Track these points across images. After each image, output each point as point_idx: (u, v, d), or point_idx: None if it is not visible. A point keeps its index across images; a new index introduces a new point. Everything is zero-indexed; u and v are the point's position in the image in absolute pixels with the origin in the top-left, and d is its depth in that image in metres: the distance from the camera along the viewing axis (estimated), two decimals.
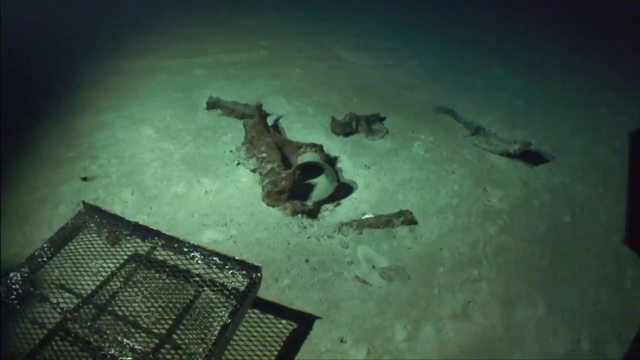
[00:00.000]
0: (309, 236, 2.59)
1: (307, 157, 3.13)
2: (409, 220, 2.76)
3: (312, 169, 3.12)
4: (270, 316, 1.99)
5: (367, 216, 2.81)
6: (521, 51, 6.06)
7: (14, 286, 1.58)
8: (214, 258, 1.79)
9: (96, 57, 4.98)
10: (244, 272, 1.76)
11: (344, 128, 3.91)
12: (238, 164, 3.24)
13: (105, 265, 1.92)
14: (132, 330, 1.60)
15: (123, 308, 1.76)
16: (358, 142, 3.87)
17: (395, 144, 3.84)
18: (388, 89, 5.02)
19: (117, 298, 1.81)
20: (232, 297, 1.74)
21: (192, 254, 1.80)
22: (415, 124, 4.19)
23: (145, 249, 2.01)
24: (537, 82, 5.14)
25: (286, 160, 3.19)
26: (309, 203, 2.82)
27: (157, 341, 1.65)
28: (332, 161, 3.47)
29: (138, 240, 1.89)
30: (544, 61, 5.72)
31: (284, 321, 1.98)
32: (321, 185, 3.05)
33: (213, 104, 4.08)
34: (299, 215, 2.74)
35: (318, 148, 3.29)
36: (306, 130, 3.96)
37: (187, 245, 1.82)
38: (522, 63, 5.67)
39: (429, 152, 3.64)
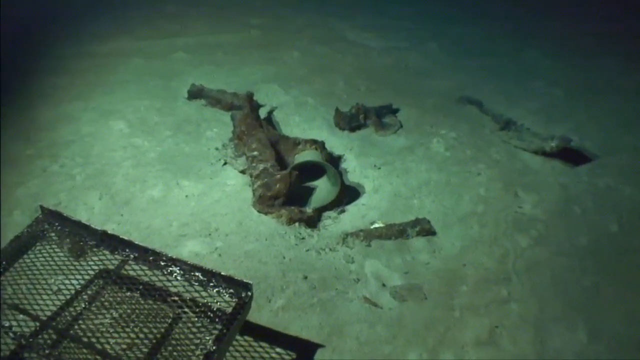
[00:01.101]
0: (308, 249, 2.60)
1: (306, 155, 3.15)
2: (425, 230, 2.77)
3: (312, 170, 3.13)
4: (263, 343, 1.99)
5: (376, 225, 2.82)
6: (561, 32, 6.07)
7: None
8: (196, 274, 1.79)
9: (60, 38, 5.04)
10: (231, 290, 1.76)
11: (350, 122, 3.91)
12: (225, 163, 3.26)
13: (67, 282, 1.92)
14: (99, 359, 1.61)
15: (88, 333, 1.77)
16: (366, 138, 3.86)
17: (411, 141, 3.82)
18: (402, 76, 5.03)
19: (81, 321, 1.81)
20: (217, 320, 1.74)
21: (171, 268, 1.80)
22: (434, 117, 4.18)
23: (115, 262, 2.01)
24: (579, 68, 5.14)
25: (281, 160, 3.20)
26: (308, 210, 2.83)
27: None
28: (335, 161, 3.48)
29: (106, 252, 1.89)
30: (587, 44, 5.74)
31: (278, 349, 1.98)
32: (322, 189, 3.07)
33: (196, 93, 4.09)
34: (296, 224, 2.75)
35: (319, 145, 3.30)
36: (305, 124, 3.94)
37: (164, 258, 1.82)
38: (562, 46, 5.68)
39: (450, 150, 3.64)
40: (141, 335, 1.77)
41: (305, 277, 2.39)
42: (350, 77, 4.66)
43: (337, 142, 3.67)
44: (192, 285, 1.82)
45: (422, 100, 4.38)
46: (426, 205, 3.03)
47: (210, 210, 2.80)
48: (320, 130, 3.78)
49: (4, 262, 1.82)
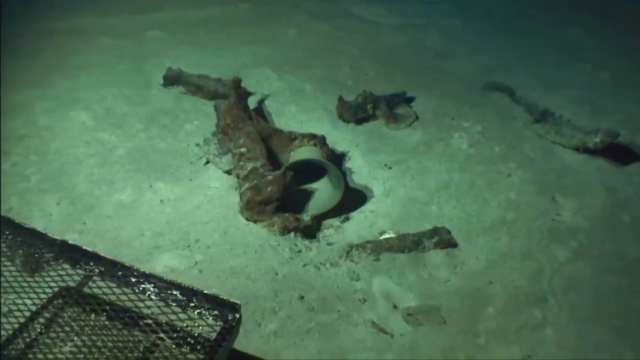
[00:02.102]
0: (305, 263, 2.62)
1: (304, 153, 3.17)
2: (445, 241, 2.80)
3: (310, 170, 3.16)
4: None
5: (386, 236, 2.84)
6: (609, 6, 6.07)
7: None
8: (174, 292, 1.79)
9: (12, 13, 5.06)
10: (215, 312, 1.76)
11: (356, 113, 3.92)
12: (207, 162, 3.28)
13: (19, 302, 1.95)
14: None
15: None
16: (375, 132, 3.87)
17: (428, 135, 3.83)
18: (418, 59, 5.04)
19: (37, 348, 1.83)
20: (198, 347, 1.76)
21: (143, 286, 1.81)
22: (457, 107, 4.18)
23: (77, 279, 2.03)
24: (631, 48, 5.16)
25: (274, 158, 3.23)
26: (306, 217, 2.86)
27: None
28: (338, 159, 3.50)
29: (67, 266, 1.91)
30: None
31: None
32: (323, 192, 3.10)
33: (173, 79, 4.13)
34: (292, 234, 2.77)
35: (319, 140, 3.32)
36: (303, 115, 3.97)
37: (136, 273, 1.83)
38: (610, 21, 5.68)
39: (476, 147, 3.66)
40: None
41: (302, 297, 2.42)
42: (357, 60, 4.69)
43: (340, 137, 3.70)
44: (168, 306, 1.83)
45: (442, 87, 4.40)
46: (446, 212, 3.06)
47: (190, 217, 2.83)
48: (320, 123, 3.82)
49: None
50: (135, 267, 1.90)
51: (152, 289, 1.88)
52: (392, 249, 2.72)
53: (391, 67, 4.73)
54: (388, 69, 4.68)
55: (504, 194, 3.22)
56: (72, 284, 2.07)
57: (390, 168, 3.41)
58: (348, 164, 3.44)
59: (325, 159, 3.16)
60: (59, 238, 1.96)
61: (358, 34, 5.35)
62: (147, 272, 1.89)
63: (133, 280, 1.90)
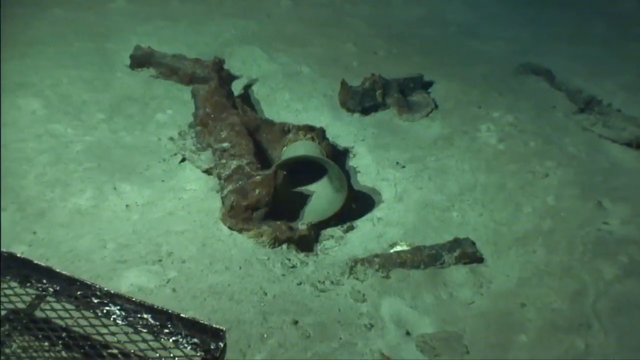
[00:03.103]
0: (301, 281, 2.63)
1: (299, 148, 3.18)
2: (469, 255, 2.82)
3: (307, 170, 3.17)
4: None
5: (398, 248, 2.86)
6: None
7: None
8: (145, 316, 1.77)
9: None
10: (195, 340, 1.74)
11: (362, 100, 3.96)
12: (183, 160, 3.30)
13: None
14: None
15: None
16: (385, 123, 3.90)
17: (449, 128, 3.86)
18: (438, 35, 5.05)
19: None
20: None
21: (108, 308, 1.79)
22: (484, 94, 4.20)
23: (27, 299, 2.03)
24: None
25: (263, 155, 3.25)
26: (301, 226, 2.87)
27: None
28: (341, 156, 3.52)
29: (14, 284, 1.91)
30: None
31: None
32: (322, 196, 3.11)
33: (142, 60, 4.17)
34: (284, 246, 2.79)
35: (317, 134, 3.33)
36: (298, 103, 4.00)
37: (99, 293, 1.83)
38: None
39: (506, 142, 3.69)
40: None
41: (296, 322, 2.43)
42: (364, 37, 4.70)
43: (343, 130, 3.71)
44: (138, 332, 1.83)
45: (467, 69, 4.42)
46: (470, 220, 3.08)
47: (161, 226, 2.84)
48: (319, 113, 3.84)
49: None
50: (97, 286, 1.91)
51: (118, 312, 1.88)
52: (404, 264, 2.74)
53: (405, 45, 4.76)
54: (401, 48, 4.71)
55: (540, 198, 3.24)
56: (21, 306, 2.08)
57: (403, 167, 3.43)
58: (352, 162, 3.47)
59: (324, 156, 3.18)
60: (4, 250, 1.97)
61: (366, 5, 5.37)
62: (112, 292, 1.89)
63: (95, 301, 1.90)
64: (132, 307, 1.87)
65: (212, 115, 3.33)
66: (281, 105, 3.91)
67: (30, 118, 3.55)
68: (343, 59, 4.51)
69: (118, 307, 1.89)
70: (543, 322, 2.54)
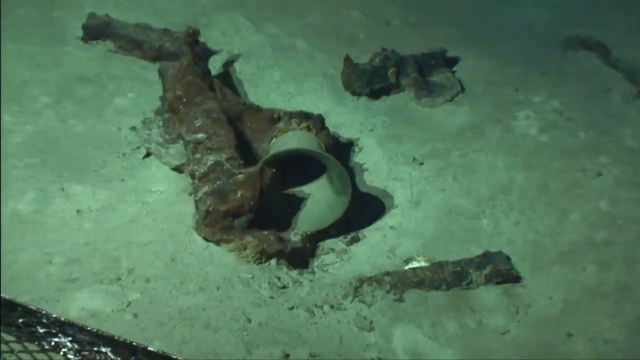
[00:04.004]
0: (293, 305, 2.63)
1: (292, 140, 3.19)
2: (502, 273, 2.82)
3: (301, 167, 3.18)
4: None
5: (415, 265, 2.87)
6: None
7: None
8: (103, 349, 1.78)
9: None
10: None
11: (371, 81, 3.99)
12: (147, 154, 3.32)
13: None
14: None
15: None
16: (400, 109, 3.91)
17: (479, 115, 3.87)
18: (464, 0, 5.07)
19: None
20: None
21: (57, 339, 1.79)
22: (522, 74, 4.21)
23: None
24: None
25: (247, 148, 3.25)
26: (294, 236, 2.89)
27: None
28: (344, 150, 3.53)
29: None
30: None
31: None
32: (320, 199, 3.13)
33: (97, 31, 4.17)
34: (273, 261, 2.80)
35: (315, 122, 3.34)
36: (292, 84, 4.01)
37: (45, 321, 1.82)
38: None
39: (550, 133, 3.70)
40: None
41: (287, 356, 2.41)
42: (373, 2, 4.67)
43: (347, 117, 3.73)
44: None
45: (501, 43, 4.42)
46: (504, 230, 3.08)
47: (120, 236, 2.84)
48: (317, 96, 3.85)
49: None
50: (44, 312, 1.91)
51: (69, 344, 1.88)
52: (422, 284, 2.74)
53: (425, 12, 4.75)
54: (420, 16, 4.70)
55: (591, 202, 3.24)
56: None
57: (422, 164, 3.44)
58: (358, 158, 3.47)
59: (323, 150, 3.18)
60: None
61: None
62: (62, 319, 1.90)
63: (41, 331, 1.90)
64: (87, 339, 1.87)
65: (184, 100, 3.33)
66: (270, 87, 3.91)
67: None
68: (347, 29, 4.51)
69: (69, 339, 1.88)
70: (594, 356, 2.54)
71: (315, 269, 2.87)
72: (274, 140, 3.29)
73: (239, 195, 2.84)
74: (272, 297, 2.65)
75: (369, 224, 3.12)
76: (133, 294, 2.57)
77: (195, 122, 3.21)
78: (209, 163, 2.97)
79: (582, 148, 3.61)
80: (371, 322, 2.61)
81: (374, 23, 4.62)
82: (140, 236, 2.85)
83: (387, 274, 2.79)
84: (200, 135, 3.13)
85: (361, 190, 3.28)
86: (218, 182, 2.88)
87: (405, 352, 2.51)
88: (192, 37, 3.80)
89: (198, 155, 3.05)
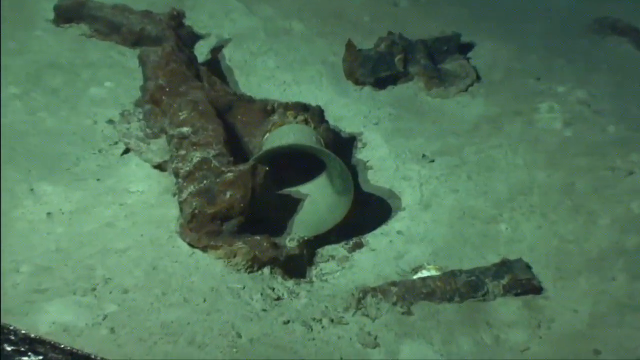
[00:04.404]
0: (288, 319, 2.63)
1: (287, 135, 3.19)
2: (522, 283, 2.81)
3: (297, 164, 3.20)
4: None
5: (425, 274, 2.87)
6: None
7: None
8: None
9: None
10: None
11: (376, 69, 4.00)
12: (126, 151, 3.33)
13: None
14: None
15: None
16: (408, 100, 3.92)
17: (496, 107, 3.89)
18: None
19: None
20: None
21: (26, 359, 1.79)
22: (545, 61, 4.22)
23: None
24: None
25: (237, 143, 3.25)
26: (290, 242, 2.89)
27: None
28: (345, 145, 3.53)
29: None
30: None
31: None
32: (319, 201, 3.13)
33: (70, 12, 4.17)
34: (266, 269, 2.80)
35: (312, 115, 3.35)
36: (287, 72, 4.02)
37: (13, 337, 1.81)
38: None
39: (576, 126, 3.71)
40: None
41: None
42: None
43: (349, 110, 3.74)
44: None
45: (520, 27, 4.47)
46: (524, 235, 3.08)
47: (96, 242, 2.84)
48: (315, 86, 3.86)
49: None
50: (12, 327, 1.91)
51: None
52: (433, 295, 2.74)
53: None
54: None
55: (621, 204, 3.24)
56: None
57: (432, 161, 3.45)
58: (362, 154, 3.48)
59: (322, 145, 3.18)
60: None
61: None
62: (31, 335, 1.89)
63: (8, 349, 1.91)
64: (60, 358, 1.87)
65: (168, 89, 3.33)
66: (263, 75, 3.90)
67: None
68: (350, 11, 4.50)
69: (40, 358, 1.88)
70: None
71: (314, 279, 2.87)
72: (268, 134, 3.29)
73: (228, 196, 2.84)
74: (265, 310, 2.65)
75: (374, 228, 3.12)
76: (110, 306, 2.56)
77: (180, 114, 3.21)
78: (194, 160, 2.97)
79: (611, 144, 3.60)
80: (375, 338, 2.61)
81: (380, 4, 4.62)
82: (118, 242, 2.86)
83: (394, 284, 2.79)
84: (185, 129, 3.13)
85: (365, 190, 3.28)
86: (205, 182, 2.88)
87: None
88: (177, 19, 3.79)
89: (183, 152, 3.05)
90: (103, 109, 3.58)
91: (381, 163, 3.45)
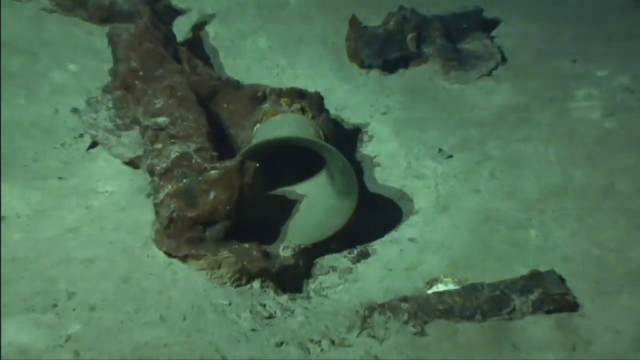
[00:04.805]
0: (282, 341, 2.61)
1: (280, 127, 3.18)
2: (554, 299, 2.76)
3: (293, 161, 3.19)
4: None
5: (441, 288, 2.84)
6: None
7: None
8: None
9: None
10: None
11: (385, 49, 4.05)
12: (93, 144, 3.32)
13: None
14: None
15: None
16: (422, 86, 3.92)
17: (524, 94, 3.90)
18: None
19: None
20: None
21: None
22: (580, 40, 4.22)
23: None
24: None
25: (222, 136, 3.24)
26: (284, 251, 2.87)
27: None
28: (349, 139, 3.53)
29: None
30: None
31: None
32: (317, 202, 3.12)
33: None
34: (256, 282, 2.79)
35: (310, 102, 3.34)
36: (281, 53, 4.04)
37: None
38: None
39: (617, 117, 3.69)
40: None
41: None
42: None
43: (353, 97, 3.73)
44: None
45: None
46: (557, 243, 3.06)
47: (57, 251, 2.82)
48: (314, 69, 3.86)
49: None
50: None
51: None
52: (451, 313, 2.69)
53: None
54: None
55: None
56: None
57: (450, 157, 3.43)
58: (368, 149, 3.46)
59: (322, 138, 3.16)
60: None
61: None
62: None
63: None
64: None
65: (141, 73, 3.31)
66: (253, 57, 3.89)
67: None
68: None
69: None
70: None
71: (311, 294, 2.85)
72: (258, 125, 3.28)
73: (211, 197, 2.81)
74: (254, 330, 2.62)
75: (382, 235, 3.09)
76: (73, 325, 2.53)
77: (155, 102, 3.19)
78: (172, 155, 2.94)
79: None
80: None
81: None
82: (83, 250, 2.83)
83: (405, 299, 2.74)
84: (161, 119, 3.10)
85: (371, 191, 3.26)
86: (184, 181, 2.85)
87: None
88: None
89: (159, 145, 3.02)
90: (66, 97, 3.57)
91: (390, 159, 3.44)
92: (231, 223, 2.84)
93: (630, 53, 4.10)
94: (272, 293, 2.78)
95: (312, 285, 2.90)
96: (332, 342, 2.63)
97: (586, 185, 3.33)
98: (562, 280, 2.83)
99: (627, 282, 2.91)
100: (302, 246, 2.93)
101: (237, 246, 2.81)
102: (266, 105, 3.30)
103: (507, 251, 3.03)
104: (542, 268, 2.88)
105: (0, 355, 2.26)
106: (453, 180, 3.33)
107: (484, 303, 2.72)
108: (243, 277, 2.77)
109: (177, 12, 4.04)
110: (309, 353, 2.59)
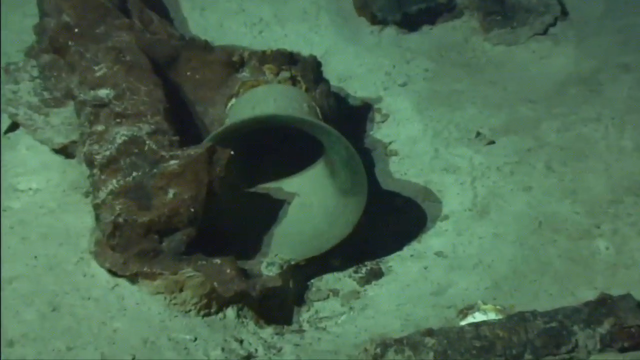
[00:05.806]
0: None
1: (263, 101, 3.20)
2: (630, 333, 2.77)
3: (281, 147, 3.23)
4: None
5: (477, 318, 2.85)
6: None
7: None
8: None
9: None
10: None
11: (400, 2, 4.11)
12: (13, 126, 3.36)
13: None
14: None
15: None
16: (453, 49, 4.02)
17: (591, 59, 3.97)
18: None
19: None
20: None
21: None
22: None
23: None
24: None
25: (186, 114, 3.27)
26: (267, 269, 2.88)
27: None
28: (355, 117, 3.57)
29: None
30: None
31: None
32: (313, 203, 3.15)
33: None
34: (230, 310, 2.79)
35: (304, 70, 3.38)
36: (265, 4, 4.09)
37: None
38: None
39: None
40: None
41: None
42: None
43: (361, 63, 3.79)
44: None
45: None
46: (635, 257, 3.07)
47: None
48: (308, 25, 3.92)
49: None
50: None
51: None
52: (492, 351, 2.71)
53: None
54: None
55: None
56: None
57: (492, 143, 3.46)
58: (382, 132, 3.51)
59: (319, 117, 3.20)
60: None
61: None
62: None
63: None
64: None
65: (77, 30, 3.34)
66: (227, 9, 3.94)
67: None
68: None
69: None
70: None
71: (305, 326, 2.88)
72: (234, 100, 3.31)
73: (171, 196, 2.84)
74: None
75: (399, 247, 3.13)
76: None
77: (96, 69, 3.22)
78: (118, 140, 2.97)
79: None
80: None
81: None
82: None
83: (430, 333, 2.75)
84: (103, 92, 3.13)
85: (385, 188, 3.29)
86: (134, 174, 2.87)
87: None
88: None
89: (100, 127, 3.05)
90: None
91: (412, 146, 3.46)
92: (197, 231, 2.85)
93: None
94: (251, 325, 2.80)
95: (305, 314, 2.92)
96: None
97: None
98: None
99: None
100: (293, 262, 2.95)
101: (204, 262, 2.82)
102: (244, 74, 3.32)
103: (568, 269, 3.06)
104: (615, 292, 2.87)
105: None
106: (495, 175, 3.35)
107: (535, 338, 2.72)
108: (213, 303, 2.78)
109: None
110: None
